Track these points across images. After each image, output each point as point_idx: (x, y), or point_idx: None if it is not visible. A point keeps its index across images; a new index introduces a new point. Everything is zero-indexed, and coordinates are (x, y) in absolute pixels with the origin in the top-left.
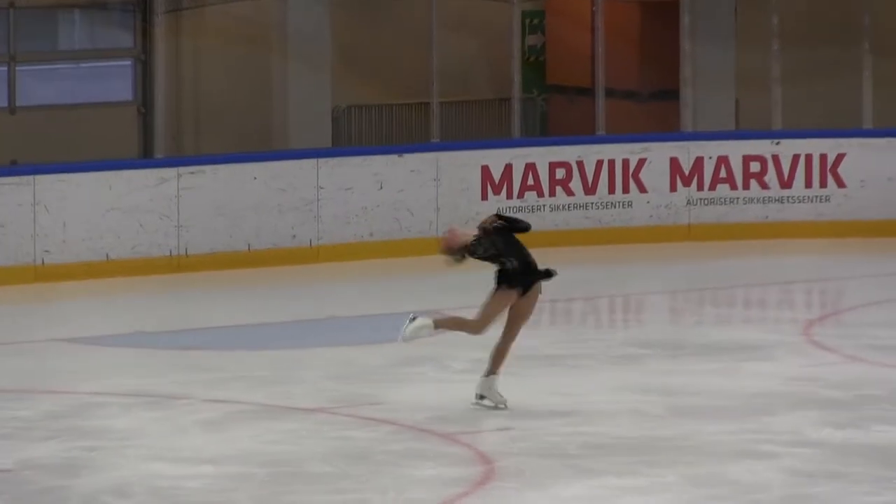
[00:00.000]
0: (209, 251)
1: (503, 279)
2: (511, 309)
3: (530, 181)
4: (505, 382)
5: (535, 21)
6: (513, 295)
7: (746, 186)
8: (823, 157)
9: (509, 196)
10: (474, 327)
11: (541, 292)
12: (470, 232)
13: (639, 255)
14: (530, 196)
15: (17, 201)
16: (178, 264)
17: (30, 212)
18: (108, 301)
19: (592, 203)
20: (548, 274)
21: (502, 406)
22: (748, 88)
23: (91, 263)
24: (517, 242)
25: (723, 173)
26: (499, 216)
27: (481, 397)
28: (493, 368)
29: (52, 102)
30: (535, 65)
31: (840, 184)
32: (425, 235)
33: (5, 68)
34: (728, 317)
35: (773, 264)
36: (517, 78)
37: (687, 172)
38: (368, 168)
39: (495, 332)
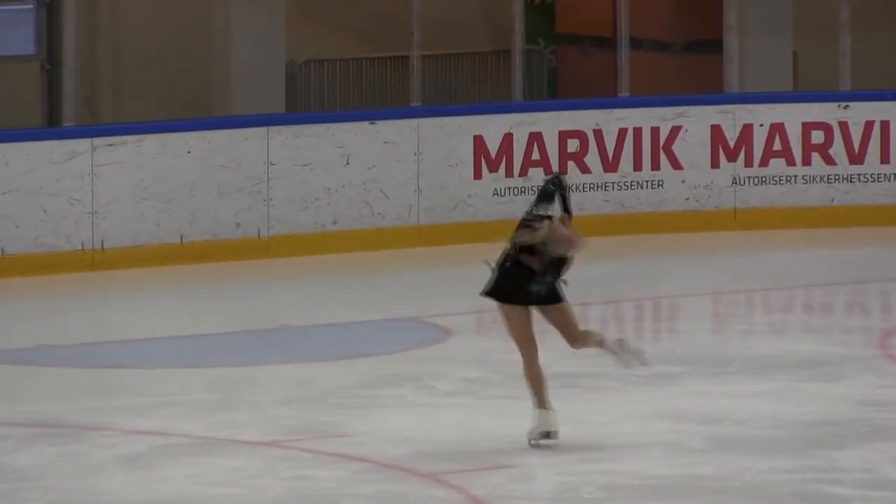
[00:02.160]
0: (131, 244)
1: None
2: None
3: (535, 155)
4: (505, 408)
5: None
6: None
7: (807, 162)
8: None
9: (509, 174)
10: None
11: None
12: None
13: (672, 248)
14: (535, 174)
15: None
16: (93, 261)
17: None
18: (2, 307)
19: (614, 182)
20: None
21: (555, 437)
22: (809, 38)
23: None
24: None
25: (777, 145)
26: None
27: (546, 434)
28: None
29: None
30: (541, 9)
31: None
32: (403, 223)
33: None
34: (784, 325)
35: (841, 259)
36: (519, 25)
37: (732, 144)
38: (332, 138)
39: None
